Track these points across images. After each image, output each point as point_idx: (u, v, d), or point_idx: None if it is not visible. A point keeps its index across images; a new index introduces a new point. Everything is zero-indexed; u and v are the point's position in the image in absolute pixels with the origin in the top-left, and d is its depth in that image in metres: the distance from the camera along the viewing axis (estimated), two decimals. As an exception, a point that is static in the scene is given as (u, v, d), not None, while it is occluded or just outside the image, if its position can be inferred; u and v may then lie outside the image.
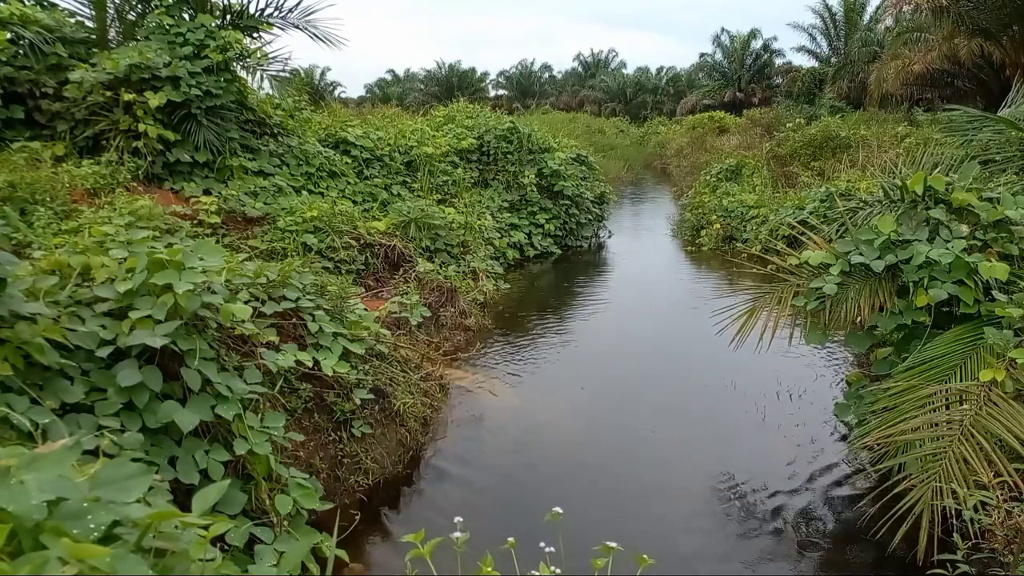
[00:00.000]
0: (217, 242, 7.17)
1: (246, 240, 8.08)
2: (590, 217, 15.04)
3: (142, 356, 3.57)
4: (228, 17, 10.35)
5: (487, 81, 68.67)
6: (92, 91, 8.27)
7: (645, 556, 2.18)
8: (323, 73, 50.85)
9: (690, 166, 25.49)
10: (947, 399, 4.06)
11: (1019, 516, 3.26)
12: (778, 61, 46.37)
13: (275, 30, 10.73)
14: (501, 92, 69.61)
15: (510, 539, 2.33)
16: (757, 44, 47.47)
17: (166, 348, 3.57)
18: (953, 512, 3.62)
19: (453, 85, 60.55)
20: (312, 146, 10.66)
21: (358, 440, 5.22)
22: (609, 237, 15.91)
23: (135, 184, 8.04)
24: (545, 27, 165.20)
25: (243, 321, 4.31)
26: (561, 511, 2.46)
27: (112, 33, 9.93)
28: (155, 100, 8.32)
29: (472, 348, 8.34)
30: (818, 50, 36.42)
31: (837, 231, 5.84)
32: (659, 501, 5.14)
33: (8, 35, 8.07)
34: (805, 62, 37.88)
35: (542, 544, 2.37)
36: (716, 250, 14.26)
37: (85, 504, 1.41)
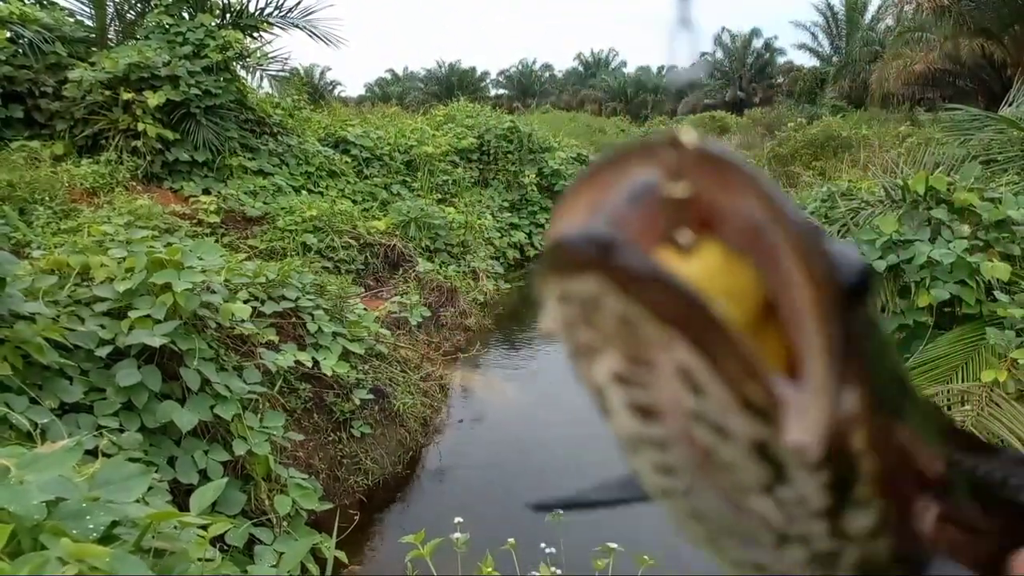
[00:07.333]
0: (216, 241, 7.15)
1: (245, 240, 8.06)
2: (590, 217, 15.02)
3: (141, 356, 3.57)
4: (228, 16, 10.34)
5: (487, 80, 68.65)
6: (91, 90, 8.26)
7: (646, 556, 2.18)
8: (323, 72, 50.80)
9: (691, 166, 25.43)
10: (948, 400, 4.05)
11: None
12: (780, 60, 46.49)
13: (275, 29, 10.74)
14: (501, 91, 69.50)
15: (511, 540, 2.32)
16: (758, 43, 47.57)
17: (165, 348, 3.56)
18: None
19: (453, 84, 60.46)
20: (312, 145, 10.65)
21: (358, 440, 5.21)
22: (609, 237, 15.87)
23: (134, 183, 8.02)
24: (546, 26, 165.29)
25: (242, 321, 4.31)
26: (563, 512, 2.45)
27: (111, 32, 9.93)
28: (154, 99, 8.31)
29: (472, 348, 8.33)
30: (820, 48, 36.46)
31: (839, 231, 5.83)
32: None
33: (7, 34, 8.06)
34: (807, 61, 37.98)
35: (543, 544, 2.36)
36: (716, 250, 14.23)
37: (84, 504, 1.41)
